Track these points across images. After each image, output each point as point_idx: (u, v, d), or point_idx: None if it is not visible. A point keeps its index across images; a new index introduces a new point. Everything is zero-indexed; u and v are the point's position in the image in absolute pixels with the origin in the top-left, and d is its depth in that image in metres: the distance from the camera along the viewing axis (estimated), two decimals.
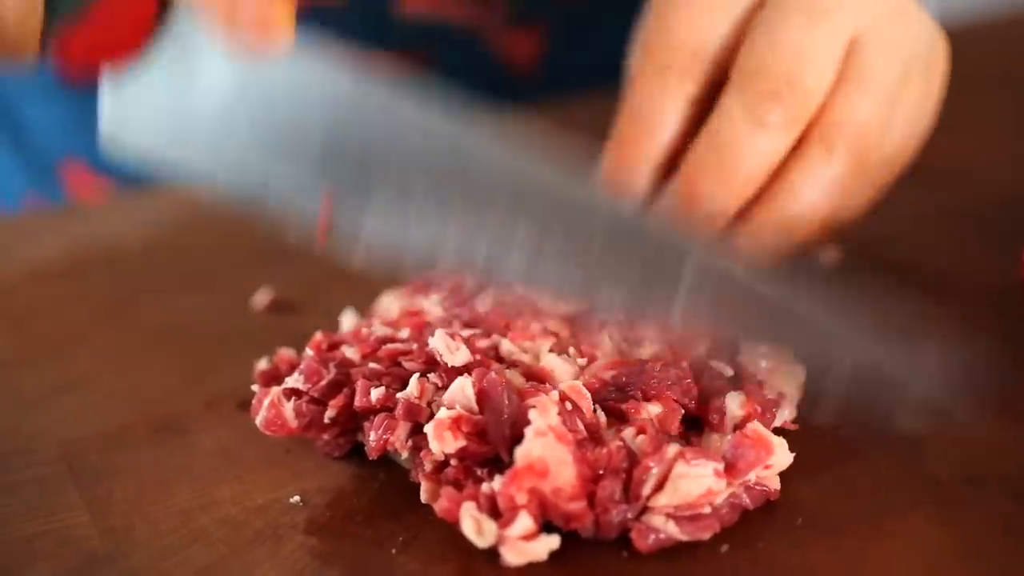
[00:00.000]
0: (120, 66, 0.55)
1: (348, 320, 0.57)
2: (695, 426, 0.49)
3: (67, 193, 0.92)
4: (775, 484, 0.47)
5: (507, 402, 0.47)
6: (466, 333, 0.51)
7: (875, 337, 0.47)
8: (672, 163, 0.55)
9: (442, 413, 0.47)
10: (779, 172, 0.54)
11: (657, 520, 0.45)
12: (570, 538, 0.45)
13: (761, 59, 0.53)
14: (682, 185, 0.54)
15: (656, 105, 0.55)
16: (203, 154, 0.56)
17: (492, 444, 0.46)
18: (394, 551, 0.46)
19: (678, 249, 0.49)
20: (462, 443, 0.46)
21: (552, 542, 0.45)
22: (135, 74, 0.55)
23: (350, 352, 0.52)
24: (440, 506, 0.46)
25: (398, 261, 0.52)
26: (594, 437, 0.47)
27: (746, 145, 0.53)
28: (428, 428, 0.47)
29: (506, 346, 0.51)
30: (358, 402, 0.49)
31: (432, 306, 0.54)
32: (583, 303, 0.52)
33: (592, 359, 0.50)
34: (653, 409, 0.48)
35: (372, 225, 0.52)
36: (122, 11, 0.54)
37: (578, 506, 0.45)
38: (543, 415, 0.45)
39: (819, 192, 0.54)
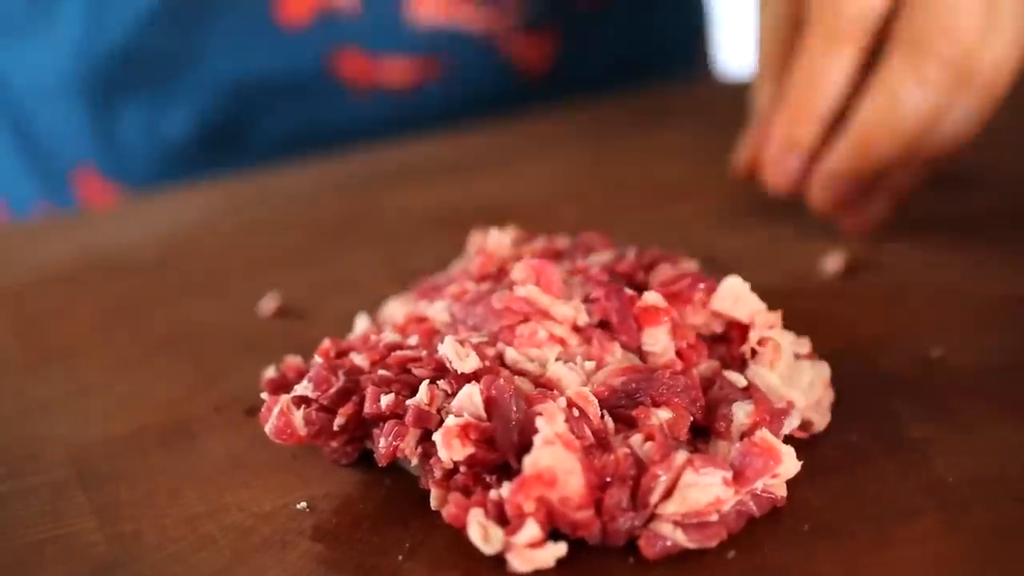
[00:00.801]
0: None
1: (362, 324, 0.57)
2: (702, 434, 0.49)
3: (78, 200, 0.93)
4: (782, 492, 0.47)
5: (515, 409, 0.47)
6: (474, 340, 0.51)
7: None
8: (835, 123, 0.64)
9: (450, 421, 0.47)
10: (935, 120, 0.62)
11: (665, 528, 0.45)
12: (577, 545, 0.45)
13: (922, 26, 0.60)
14: (855, 136, 0.62)
15: (828, 66, 0.62)
16: None
17: (500, 451, 0.46)
18: (400, 558, 0.46)
19: None
20: (470, 450, 0.46)
21: (559, 550, 0.45)
22: None
23: (359, 359, 0.52)
24: (447, 512, 0.46)
25: None
26: (602, 444, 0.47)
27: (911, 102, 0.60)
28: (437, 436, 0.47)
29: (511, 354, 0.51)
30: (368, 409, 0.49)
31: (438, 312, 0.54)
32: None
33: (600, 365, 0.50)
34: (663, 415, 0.48)
35: None
36: None
37: (585, 515, 0.45)
38: (550, 422, 0.45)
39: (966, 128, 0.62)
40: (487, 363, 0.49)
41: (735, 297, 0.52)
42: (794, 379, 0.51)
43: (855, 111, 0.62)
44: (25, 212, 0.94)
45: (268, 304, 0.64)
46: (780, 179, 0.65)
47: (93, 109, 0.89)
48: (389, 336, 0.53)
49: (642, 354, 0.51)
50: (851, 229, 0.67)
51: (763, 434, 0.47)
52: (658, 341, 0.51)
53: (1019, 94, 0.64)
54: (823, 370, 0.52)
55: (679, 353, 0.51)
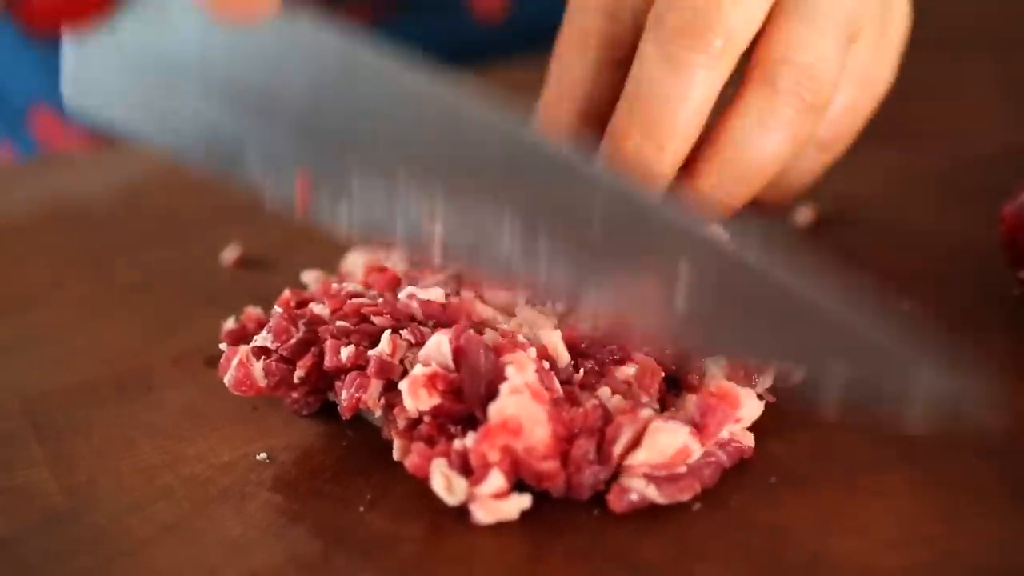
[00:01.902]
0: (84, 23, 0.54)
1: (312, 278, 0.56)
2: (673, 386, 0.49)
3: (36, 141, 0.91)
4: (748, 441, 0.47)
5: (484, 360, 0.46)
6: (434, 280, 0.50)
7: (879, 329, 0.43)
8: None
9: (417, 370, 0.46)
10: (720, 121, 0.51)
11: (636, 483, 0.44)
12: (540, 497, 0.45)
13: None
14: (609, 145, 0.50)
15: (575, 67, 0.53)
16: (172, 119, 0.54)
17: (467, 402, 0.46)
18: (362, 509, 0.46)
19: (679, 236, 0.44)
20: (436, 400, 0.46)
21: (523, 501, 0.44)
22: (100, 33, 0.53)
23: (319, 309, 0.51)
24: (410, 462, 0.45)
25: (379, 236, 0.50)
26: (570, 397, 0.46)
27: (666, 91, 0.49)
28: (403, 385, 0.46)
29: (477, 306, 0.50)
30: (328, 362, 0.48)
31: (397, 261, 0.53)
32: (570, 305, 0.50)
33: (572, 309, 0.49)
34: (629, 370, 0.47)
35: (353, 200, 0.50)
36: None
37: (550, 465, 0.44)
38: (520, 372, 0.45)
39: (768, 139, 0.50)
40: (451, 298, 0.49)
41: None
42: None
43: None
44: None
45: (230, 254, 0.63)
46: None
47: (46, 47, 0.87)
48: (351, 286, 0.52)
49: None
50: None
51: (719, 381, 0.46)
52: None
53: (981, 44, 0.63)
54: None
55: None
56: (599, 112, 0.52)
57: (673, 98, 0.49)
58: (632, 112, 0.50)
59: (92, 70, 0.55)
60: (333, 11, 0.60)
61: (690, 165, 0.51)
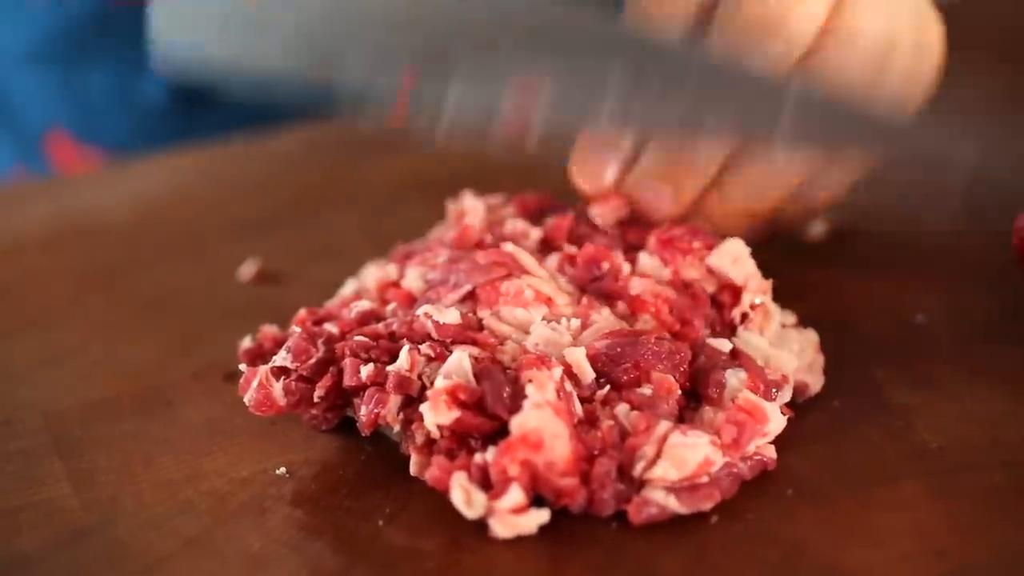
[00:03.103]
0: None
1: (348, 290, 0.56)
2: (693, 399, 0.49)
3: (52, 165, 0.91)
4: (771, 454, 0.47)
5: (505, 379, 0.47)
6: (454, 298, 0.51)
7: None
8: None
9: (439, 383, 0.46)
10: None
11: (656, 494, 0.45)
12: (559, 510, 0.45)
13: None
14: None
15: None
16: (269, 41, 0.55)
17: (490, 413, 0.46)
18: (381, 523, 0.46)
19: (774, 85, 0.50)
20: (457, 414, 0.46)
21: (542, 516, 0.44)
22: None
23: (336, 329, 0.51)
24: (430, 475, 0.45)
25: (483, 131, 0.52)
26: (590, 419, 0.46)
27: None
28: (424, 406, 0.46)
29: (492, 321, 0.50)
30: (347, 381, 0.49)
31: (412, 280, 0.53)
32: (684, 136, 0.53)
33: (586, 325, 0.50)
34: (647, 391, 0.48)
35: (456, 94, 0.52)
36: None
37: (570, 482, 0.45)
38: (540, 390, 0.45)
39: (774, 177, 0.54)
40: (467, 316, 0.49)
41: (734, 257, 0.52)
42: (783, 346, 0.51)
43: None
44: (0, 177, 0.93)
45: (247, 270, 0.63)
46: (592, 181, 0.57)
47: (63, 73, 0.87)
48: (363, 304, 0.53)
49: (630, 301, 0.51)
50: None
51: (746, 395, 0.47)
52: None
53: (996, 57, 0.63)
54: (811, 336, 0.52)
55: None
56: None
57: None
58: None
59: (177, 21, 0.56)
60: None
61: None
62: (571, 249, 0.53)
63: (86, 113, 0.89)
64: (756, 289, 0.51)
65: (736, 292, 0.52)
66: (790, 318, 0.53)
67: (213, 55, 0.56)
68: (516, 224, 0.55)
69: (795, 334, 0.52)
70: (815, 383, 0.51)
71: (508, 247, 0.52)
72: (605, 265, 0.52)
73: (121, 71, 0.87)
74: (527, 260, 0.52)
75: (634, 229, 0.55)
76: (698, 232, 0.53)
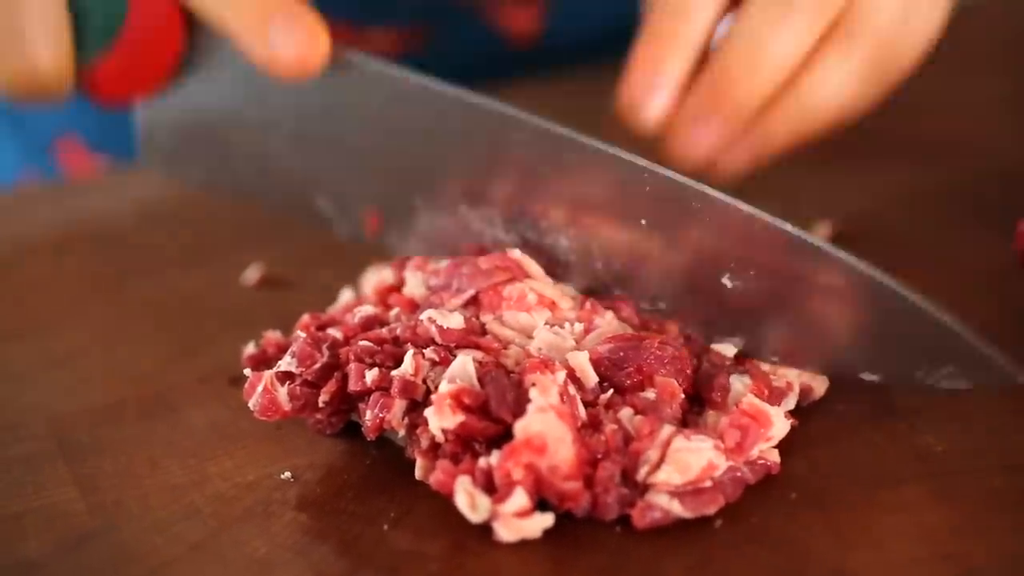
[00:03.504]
0: (151, 91, 0.57)
1: (346, 297, 0.56)
2: (697, 404, 0.49)
3: (63, 171, 0.92)
4: (775, 458, 0.47)
5: (509, 383, 0.47)
6: (456, 303, 0.51)
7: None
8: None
9: (443, 387, 0.46)
10: (803, 65, 0.58)
11: (660, 499, 0.45)
12: (563, 514, 0.45)
13: None
14: (715, 72, 0.58)
15: (697, 16, 0.59)
16: (244, 167, 0.58)
17: (494, 417, 0.46)
18: (385, 527, 0.46)
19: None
20: (461, 418, 0.46)
21: (546, 520, 0.44)
22: (167, 95, 0.57)
23: (340, 334, 0.52)
24: (435, 479, 0.46)
25: (451, 248, 0.55)
26: (593, 423, 0.46)
27: (776, 36, 0.57)
28: (429, 410, 0.46)
29: (496, 328, 0.50)
30: (352, 386, 0.49)
31: (415, 286, 0.54)
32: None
33: (589, 330, 0.50)
34: (650, 396, 0.48)
35: (420, 223, 0.55)
36: (149, 41, 0.55)
37: (573, 486, 0.45)
38: (543, 394, 0.45)
39: (839, 83, 0.58)
40: (471, 321, 0.49)
41: None
42: None
43: (720, 47, 0.59)
44: (9, 182, 0.93)
45: (252, 274, 0.64)
46: (644, 114, 0.61)
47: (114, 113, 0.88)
48: (367, 309, 0.53)
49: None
50: (718, 177, 0.63)
51: (750, 399, 0.47)
52: None
53: (999, 61, 0.63)
54: None
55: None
56: (705, 39, 0.60)
57: (781, 44, 0.57)
58: (742, 48, 0.58)
59: (164, 130, 0.59)
60: (363, 36, 0.63)
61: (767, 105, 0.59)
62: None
63: (99, 121, 0.89)
64: None
65: None
66: None
67: (194, 166, 0.60)
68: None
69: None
70: (819, 387, 0.51)
71: (515, 253, 0.52)
72: None
73: None
74: (531, 265, 0.52)
75: None
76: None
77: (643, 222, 0.51)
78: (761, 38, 0.57)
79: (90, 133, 0.90)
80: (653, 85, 0.59)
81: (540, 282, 0.51)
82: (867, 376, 0.49)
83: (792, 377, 0.50)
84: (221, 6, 0.53)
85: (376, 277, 0.56)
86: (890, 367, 0.48)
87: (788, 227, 0.48)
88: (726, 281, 0.49)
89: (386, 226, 0.56)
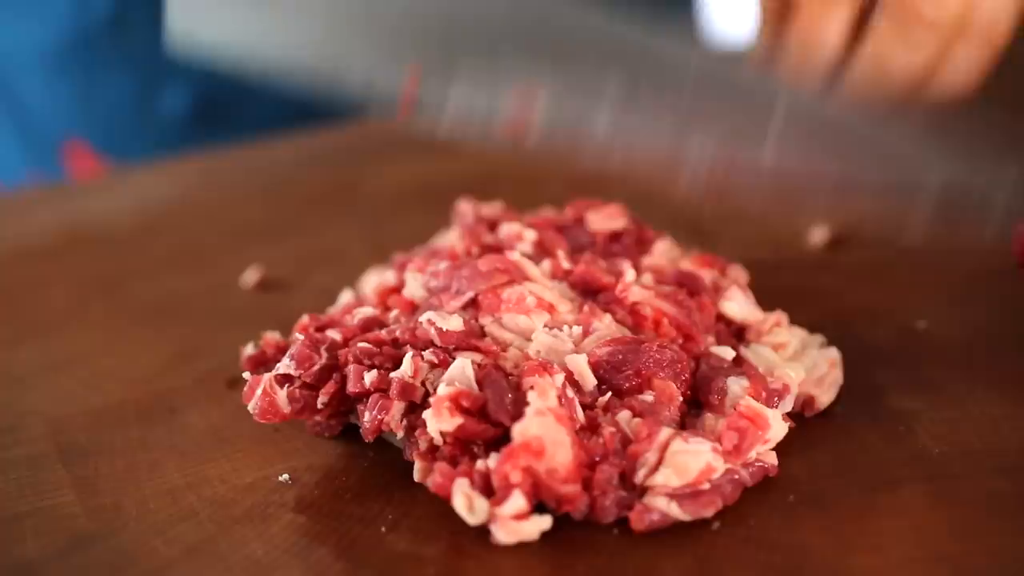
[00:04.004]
0: None
1: (345, 298, 0.56)
2: (695, 407, 0.49)
3: (69, 174, 0.92)
4: (773, 460, 0.47)
5: (507, 385, 0.47)
6: (455, 304, 0.51)
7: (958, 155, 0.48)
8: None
9: (442, 389, 0.46)
10: None
11: (658, 501, 0.45)
12: (561, 517, 0.45)
13: None
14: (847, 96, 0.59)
15: (823, 26, 0.59)
16: (279, 35, 0.56)
17: (492, 419, 0.46)
18: (383, 529, 0.46)
19: (768, 89, 0.51)
20: (460, 420, 0.46)
21: (544, 522, 0.44)
22: None
23: (339, 335, 0.52)
24: (433, 481, 0.46)
25: (484, 128, 0.54)
26: (591, 426, 0.46)
27: (899, 60, 0.58)
28: (427, 413, 0.46)
29: (495, 330, 0.50)
30: (351, 388, 0.49)
31: (413, 289, 0.54)
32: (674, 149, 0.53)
33: (587, 332, 0.50)
34: (648, 398, 0.48)
35: (458, 92, 0.54)
36: None
37: (572, 489, 0.45)
38: (542, 397, 0.45)
39: (961, 79, 0.60)
40: (470, 323, 0.49)
41: (741, 306, 0.53)
42: (799, 360, 0.51)
43: (846, 71, 0.61)
44: (14, 184, 0.93)
45: (250, 277, 0.64)
46: (821, 44, 0.61)
47: (81, 83, 0.88)
48: (366, 310, 0.53)
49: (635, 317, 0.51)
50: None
51: (747, 402, 0.47)
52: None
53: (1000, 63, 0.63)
54: (830, 353, 0.52)
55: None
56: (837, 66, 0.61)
57: (910, 77, 0.59)
58: (869, 80, 0.59)
59: (194, 6, 0.57)
60: None
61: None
62: (565, 264, 0.53)
63: (105, 124, 0.89)
64: (769, 325, 0.52)
65: None
66: (815, 342, 0.53)
67: (228, 44, 0.57)
68: (511, 228, 0.56)
69: (815, 352, 0.52)
70: (824, 397, 0.50)
71: (515, 255, 0.52)
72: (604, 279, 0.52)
73: (140, 82, 0.88)
74: (530, 268, 0.52)
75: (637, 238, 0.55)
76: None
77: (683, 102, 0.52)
78: (885, 62, 0.59)
79: (96, 136, 0.90)
80: (829, 15, 0.60)
81: (539, 285, 0.51)
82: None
83: (792, 381, 0.50)
84: None
85: (376, 279, 0.56)
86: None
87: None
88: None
89: (426, 82, 0.55)
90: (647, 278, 0.53)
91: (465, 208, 0.58)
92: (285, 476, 0.49)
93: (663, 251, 0.55)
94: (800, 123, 0.51)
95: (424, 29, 0.54)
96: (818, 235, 0.64)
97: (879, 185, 0.54)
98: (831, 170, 0.54)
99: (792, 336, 0.52)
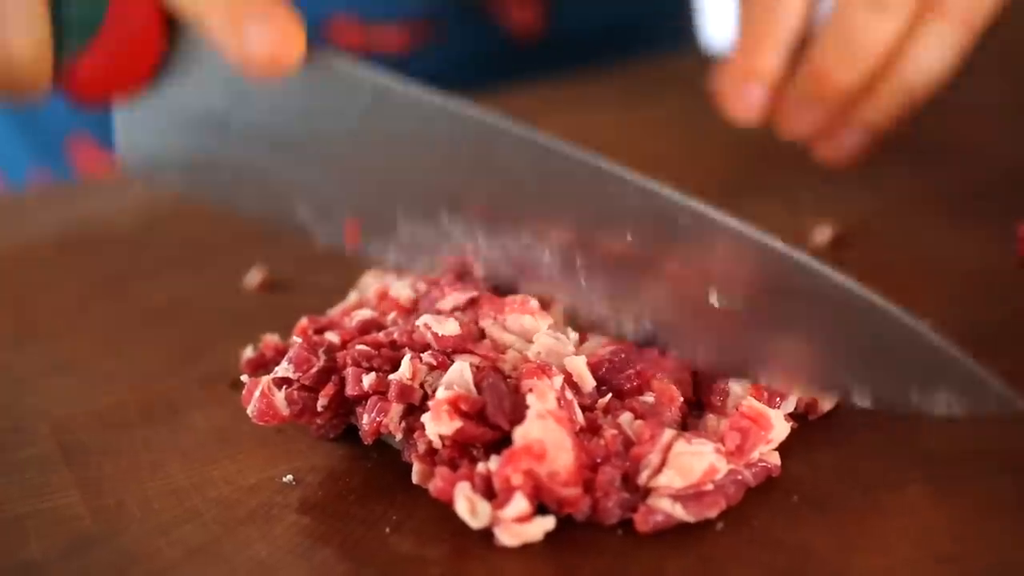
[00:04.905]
0: (130, 91, 0.56)
1: (353, 299, 0.56)
2: (697, 408, 0.49)
3: (74, 169, 0.92)
4: (776, 460, 0.47)
5: (506, 389, 0.47)
6: (456, 302, 0.51)
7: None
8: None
9: (441, 393, 0.46)
10: (900, 47, 0.61)
11: (662, 503, 0.45)
12: (565, 518, 0.45)
13: None
14: (811, 64, 0.61)
15: (789, 12, 0.62)
16: (222, 172, 0.57)
17: (491, 423, 0.46)
18: (387, 531, 0.46)
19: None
20: (459, 424, 0.46)
21: (547, 523, 0.44)
22: (147, 97, 0.56)
23: (337, 338, 0.52)
24: (434, 486, 0.46)
25: (429, 265, 0.54)
26: (592, 427, 0.46)
27: (870, 28, 0.60)
28: (426, 416, 0.46)
29: (495, 331, 0.50)
30: (350, 390, 0.49)
31: (401, 289, 0.54)
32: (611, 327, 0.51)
33: (586, 337, 0.50)
34: (649, 399, 0.48)
35: (400, 234, 0.54)
36: (128, 39, 0.54)
37: (573, 492, 0.45)
38: (541, 400, 0.45)
39: (939, 58, 0.61)
40: (468, 325, 0.49)
41: None
42: None
43: (815, 38, 0.61)
44: (21, 181, 0.93)
45: (253, 277, 0.64)
46: (743, 109, 0.64)
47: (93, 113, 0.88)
48: (364, 313, 0.53)
49: None
50: (827, 161, 0.67)
51: (749, 402, 0.47)
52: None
53: (1001, 63, 0.64)
54: None
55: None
56: (800, 33, 0.62)
57: (875, 34, 0.60)
58: (837, 40, 0.60)
59: (144, 133, 0.58)
60: (371, 32, 0.61)
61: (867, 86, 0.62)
62: None
63: (109, 117, 0.89)
64: None
65: None
66: None
67: (174, 170, 0.59)
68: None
69: None
70: (827, 400, 0.50)
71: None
72: None
73: None
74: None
75: None
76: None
77: (628, 237, 0.49)
78: (856, 27, 0.59)
79: (100, 130, 0.90)
80: (750, 79, 0.62)
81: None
82: (860, 401, 0.47)
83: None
84: (196, 1, 0.53)
85: (377, 281, 0.56)
86: (882, 391, 0.47)
87: (777, 244, 0.47)
88: (713, 300, 0.48)
89: (366, 236, 0.56)
90: None
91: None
92: (289, 477, 0.49)
93: None
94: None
95: (361, 181, 0.55)
96: (820, 235, 0.64)
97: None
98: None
99: None
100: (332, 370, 0.50)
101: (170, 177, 0.59)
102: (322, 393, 0.49)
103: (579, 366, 0.48)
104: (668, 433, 0.45)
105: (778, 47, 0.62)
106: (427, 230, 0.53)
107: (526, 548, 0.44)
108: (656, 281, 0.49)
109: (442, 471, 0.46)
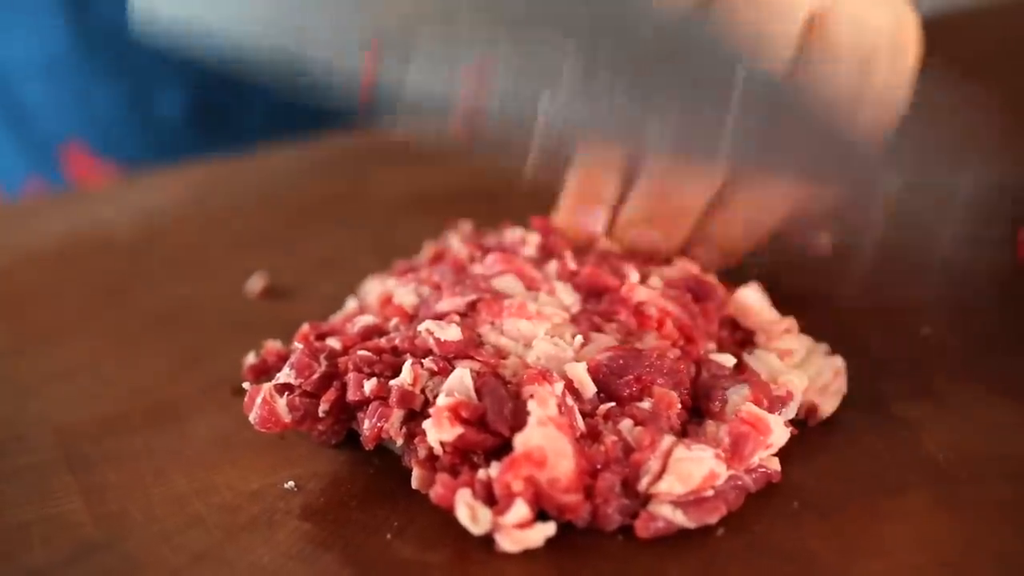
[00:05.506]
0: None
1: (351, 306, 0.57)
2: (696, 415, 0.49)
3: (68, 176, 0.92)
4: (775, 466, 0.47)
5: (506, 395, 0.47)
6: (455, 303, 0.51)
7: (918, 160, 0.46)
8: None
9: (441, 400, 0.46)
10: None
11: (663, 509, 0.45)
12: (566, 524, 0.45)
13: None
14: (645, 186, 0.56)
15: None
16: (238, 15, 0.55)
17: (492, 429, 0.46)
18: (389, 536, 0.46)
19: (727, 66, 0.48)
20: (460, 430, 0.46)
21: (548, 529, 0.44)
22: None
23: (338, 344, 0.52)
24: (435, 492, 0.46)
25: (442, 114, 0.53)
26: (592, 434, 0.47)
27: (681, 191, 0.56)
28: (427, 422, 0.46)
29: (494, 337, 0.50)
30: (351, 396, 0.49)
31: (404, 295, 0.54)
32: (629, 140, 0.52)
33: (587, 341, 0.50)
34: (646, 405, 0.48)
35: (417, 74, 0.52)
36: None
37: (573, 499, 0.45)
38: (542, 406, 0.45)
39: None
40: (468, 331, 0.49)
41: (748, 307, 0.53)
42: (803, 368, 0.51)
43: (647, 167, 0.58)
44: (15, 189, 0.93)
45: (255, 284, 0.64)
46: (583, 232, 0.58)
47: (79, 85, 0.88)
48: (366, 319, 0.53)
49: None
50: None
51: (749, 407, 0.47)
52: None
53: (999, 67, 0.63)
54: (835, 362, 0.52)
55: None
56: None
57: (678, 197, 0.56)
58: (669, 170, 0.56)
59: None
60: None
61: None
62: (572, 264, 0.53)
63: (101, 126, 0.90)
64: (779, 330, 0.52)
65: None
66: (821, 347, 0.53)
67: (191, 19, 0.56)
68: (515, 232, 0.56)
69: (820, 360, 0.52)
70: (827, 406, 0.50)
71: (518, 260, 0.52)
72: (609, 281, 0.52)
73: (137, 84, 0.88)
74: (536, 273, 0.52)
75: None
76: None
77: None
78: (664, 196, 0.56)
79: (94, 138, 0.90)
80: (589, 212, 0.58)
81: (542, 294, 0.52)
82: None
83: (795, 388, 0.50)
84: None
85: (378, 287, 0.56)
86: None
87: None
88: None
89: (383, 62, 0.53)
90: (656, 280, 0.53)
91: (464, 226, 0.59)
92: (291, 483, 0.49)
93: (681, 267, 0.55)
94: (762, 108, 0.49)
95: (381, 6, 0.53)
96: (821, 242, 0.64)
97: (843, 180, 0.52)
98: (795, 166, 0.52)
99: (799, 344, 0.52)
100: (333, 376, 0.50)
101: (184, 24, 0.57)
102: (323, 399, 0.49)
103: (580, 373, 0.48)
104: (668, 439, 0.46)
105: (613, 182, 0.58)
106: (446, 42, 0.52)
107: (527, 553, 0.44)
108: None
109: (443, 478, 0.46)
